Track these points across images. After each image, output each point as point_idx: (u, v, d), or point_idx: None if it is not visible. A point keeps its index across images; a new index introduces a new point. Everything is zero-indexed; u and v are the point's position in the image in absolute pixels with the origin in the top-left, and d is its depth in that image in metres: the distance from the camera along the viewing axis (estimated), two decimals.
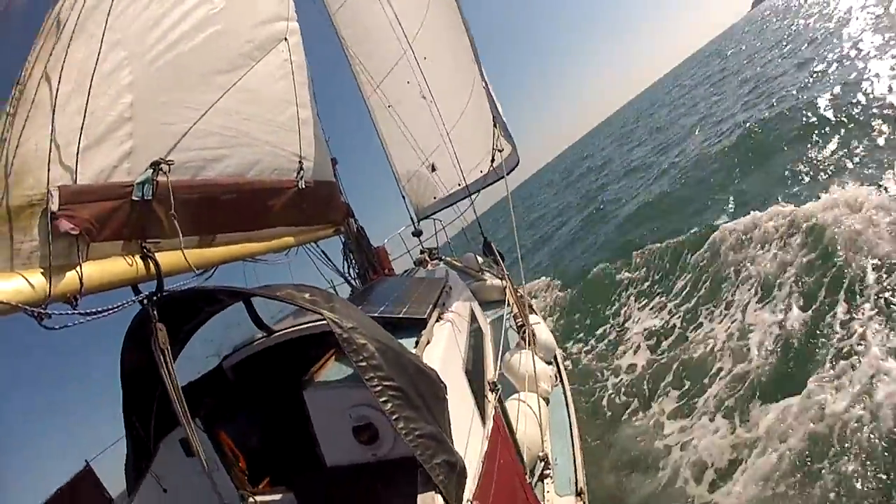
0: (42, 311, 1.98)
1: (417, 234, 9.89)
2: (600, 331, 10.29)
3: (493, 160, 7.23)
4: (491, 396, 3.82)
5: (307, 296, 2.80)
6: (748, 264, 8.05)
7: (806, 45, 26.92)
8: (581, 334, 10.74)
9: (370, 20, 8.11)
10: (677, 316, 8.66)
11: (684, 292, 9.23)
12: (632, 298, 10.74)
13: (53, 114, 2.01)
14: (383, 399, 2.43)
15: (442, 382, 2.81)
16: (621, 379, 7.71)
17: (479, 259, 8.87)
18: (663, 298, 9.71)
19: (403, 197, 10.37)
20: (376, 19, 7.66)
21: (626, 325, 9.82)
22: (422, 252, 9.40)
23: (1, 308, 1.84)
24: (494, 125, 7.20)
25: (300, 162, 4.57)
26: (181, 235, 2.87)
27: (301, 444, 4.03)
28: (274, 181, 4.11)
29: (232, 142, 3.48)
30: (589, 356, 9.30)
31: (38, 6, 2.20)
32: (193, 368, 4.30)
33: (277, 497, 3.74)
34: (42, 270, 1.99)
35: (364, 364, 2.47)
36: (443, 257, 9.56)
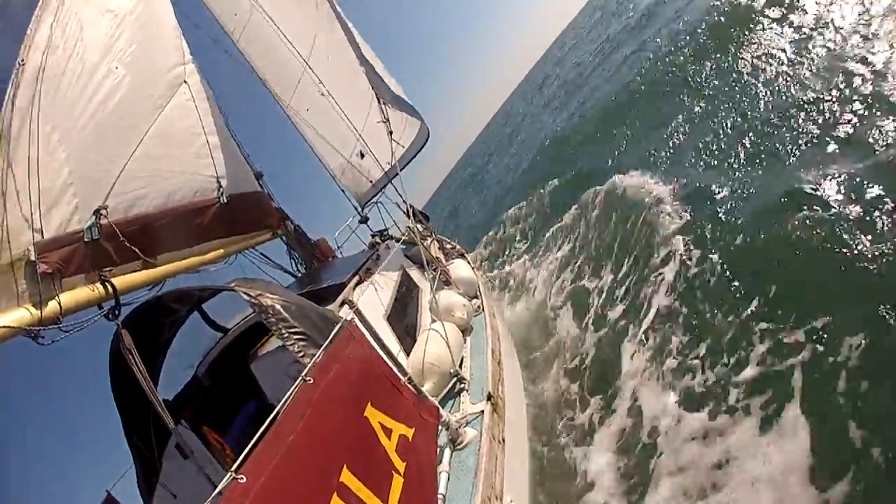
0: (37, 329, 2.87)
1: (364, 220, 10.27)
2: None
3: (390, 133, 7.75)
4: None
5: (233, 284, 3.45)
6: None
7: None
8: None
9: (269, 36, 8.73)
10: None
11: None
12: None
13: (31, 191, 2.92)
14: (290, 343, 3.09)
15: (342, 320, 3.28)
16: None
17: (420, 227, 9.48)
18: None
19: (342, 190, 10.63)
20: (274, 34, 8.34)
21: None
22: (373, 235, 9.91)
23: (7, 332, 2.75)
24: (378, 101, 7.76)
25: (218, 181, 5.37)
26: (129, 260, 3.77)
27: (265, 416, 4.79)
28: (196, 202, 4.94)
29: (152, 179, 4.33)
30: None
31: None
32: (175, 383, 4.93)
33: None
34: (33, 304, 2.89)
35: (273, 319, 3.15)
36: (392, 235, 9.87)
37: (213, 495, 1.90)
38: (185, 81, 5.02)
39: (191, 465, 3.89)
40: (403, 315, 5.56)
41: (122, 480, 4.07)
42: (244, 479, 1.93)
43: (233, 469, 1.94)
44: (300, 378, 2.58)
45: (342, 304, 4.57)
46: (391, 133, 8.09)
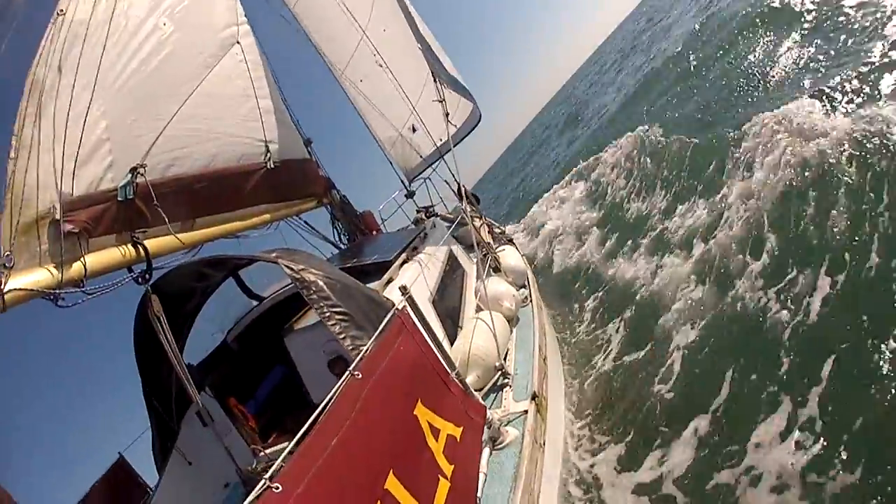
0: (56, 292, 2.76)
1: (410, 195, 10.19)
2: None
3: (446, 114, 7.53)
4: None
5: (273, 254, 3.34)
6: None
7: None
8: None
9: (327, 4, 8.52)
10: None
11: None
12: None
13: (54, 148, 2.80)
14: (331, 322, 2.95)
15: (393, 307, 3.16)
16: None
17: (469, 208, 9.28)
18: None
19: (390, 162, 10.50)
20: (332, 2, 8.12)
21: None
22: (418, 211, 9.75)
23: (24, 294, 2.64)
24: (434, 80, 7.52)
25: (266, 146, 5.20)
26: (166, 222, 3.63)
27: (295, 390, 4.63)
28: (241, 166, 4.78)
29: (197, 140, 4.17)
30: None
31: (19, 71, 2.92)
32: (202, 347, 4.83)
33: (284, 446, 4.32)
34: (55, 264, 2.77)
35: (315, 296, 3.02)
36: (438, 213, 9.79)
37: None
38: (237, 42, 4.85)
39: (210, 433, 3.85)
40: (449, 299, 5.36)
41: (136, 443, 4.08)
42: (280, 489, 1.77)
43: (267, 476, 1.78)
44: (347, 373, 2.41)
45: (387, 282, 4.45)
46: (447, 115, 7.84)
